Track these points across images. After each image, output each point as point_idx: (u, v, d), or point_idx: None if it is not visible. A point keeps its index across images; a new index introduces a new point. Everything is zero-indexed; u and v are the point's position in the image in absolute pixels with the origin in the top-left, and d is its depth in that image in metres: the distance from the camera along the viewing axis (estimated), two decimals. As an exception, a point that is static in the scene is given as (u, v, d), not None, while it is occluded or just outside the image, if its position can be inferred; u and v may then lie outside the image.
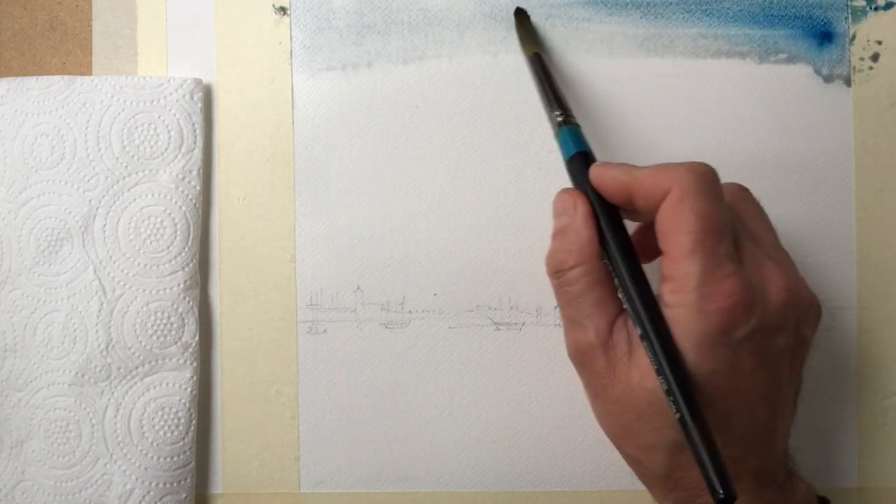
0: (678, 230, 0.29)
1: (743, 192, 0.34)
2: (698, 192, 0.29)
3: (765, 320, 0.29)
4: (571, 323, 0.32)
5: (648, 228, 0.32)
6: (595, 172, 0.32)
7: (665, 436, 0.30)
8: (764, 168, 0.39)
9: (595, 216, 0.32)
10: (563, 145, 0.34)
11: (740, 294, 0.29)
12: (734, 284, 0.29)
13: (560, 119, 0.35)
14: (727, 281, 0.29)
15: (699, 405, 0.28)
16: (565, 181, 0.39)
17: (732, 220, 0.31)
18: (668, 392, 0.28)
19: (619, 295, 0.31)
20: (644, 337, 0.29)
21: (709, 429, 0.27)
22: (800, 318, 0.31)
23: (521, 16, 0.39)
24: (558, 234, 0.33)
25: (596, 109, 0.40)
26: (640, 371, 0.30)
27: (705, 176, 0.30)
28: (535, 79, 0.37)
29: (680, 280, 0.29)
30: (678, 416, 0.28)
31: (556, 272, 0.32)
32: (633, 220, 0.33)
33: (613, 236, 0.31)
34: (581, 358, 0.32)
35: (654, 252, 0.31)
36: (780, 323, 0.30)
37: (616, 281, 0.31)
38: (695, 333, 0.29)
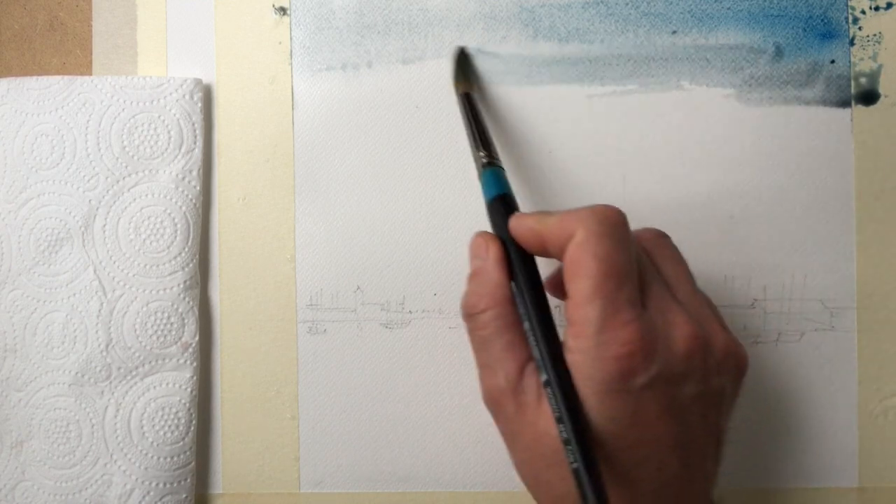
0: (579, 274, 0.28)
1: (660, 237, 0.33)
2: (601, 236, 0.29)
3: (668, 368, 0.28)
4: (483, 367, 0.31)
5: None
6: (513, 223, 0.32)
7: (574, 486, 0.28)
8: (764, 168, 0.39)
9: (508, 260, 0.31)
10: (484, 187, 0.34)
11: (639, 341, 0.28)
12: (633, 331, 0.28)
13: (484, 161, 0.35)
14: (626, 328, 0.28)
15: (594, 456, 0.27)
16: (566, 181, 0.40)
17: (644, 265, 0.30)
18: (566, 441, 0.27)
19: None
20: (546, 383, 0.29)
21: (602, 482, 0.26)
22: (710, 366, 0.29)
23: (461, 55, 0.39)
24: (472, 277, 0.32)
25: (600, 123, 0.40)
26: (547, 418, 0.29)
27: (610, 219, 0.29)
28: (463, 118, 0.37)
29: (580, 325, 0.28)
30: (573, 466, 0.27)
31: (468, 315, 0.32)
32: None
33: (524, 281, 0.31)
34: (493, 404, 0.31)
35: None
36: (685, 371, 0.29)
37: (525, 326, 0.30)
38: (594, 380, 0.28)
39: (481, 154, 0.35)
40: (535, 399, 0.30)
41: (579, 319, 0.28)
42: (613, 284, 0.28)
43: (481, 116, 0.37)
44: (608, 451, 0.28)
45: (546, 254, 0.31)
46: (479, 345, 0.31)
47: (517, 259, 0.31)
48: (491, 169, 0.34)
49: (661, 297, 0.30)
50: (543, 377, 0.29)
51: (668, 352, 0.29)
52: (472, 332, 0.32)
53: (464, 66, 0.39)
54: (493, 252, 0.32)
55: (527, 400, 0.30)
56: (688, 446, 0.29)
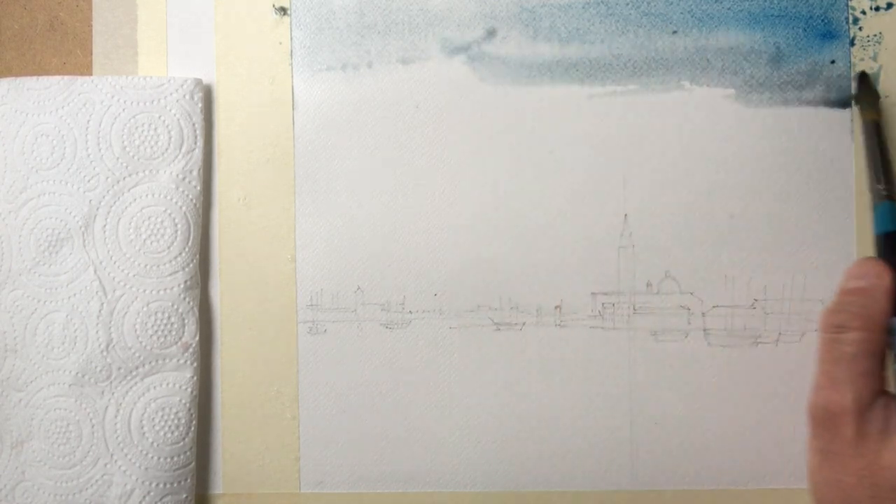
0: None
1: None
2: None
3: None
4: (830, 381, 0.32)
5: None
6: None
7: None
8: (764, 168, 0.39)
9: (894, 292, 0.33)
10: (879, 218, 0.35)
11: None
12: None
13: (884, 193, 0.36)
14: None
15: None
16: (566, 181, 0.39)
17: None
18: None
19: (892, 378, 0.32)
20: None
21: None
22: None
23: (865, 78, 0.39)
24: (849, 293, 0.33)
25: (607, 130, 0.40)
26: (894, 457, 0.30)
27: None
28: (866, 144, 0.37)
29: None
30: None
31: (836, 327, 0.33)
32: None
33: None
34: (827, 418, 0.32)
35: None
36: None
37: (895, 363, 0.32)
38: None
39: (881, 186, 0.36)
40: (879, 431, 0.30)
41: None
42: None
43: (887, 147, 0.37)
44: None
45: None
46: (835, 359, 0.32)
47: None
48: (890, 202, 0.35)
49: None
50: None
51: None
52: (832, 344, 0.33)
53: (870, 90, 0.39)
54: (886, 280, 0.33)
55: (870, 429, 0.31)
56: None
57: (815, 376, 0.33)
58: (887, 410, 0.31)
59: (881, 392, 0.32)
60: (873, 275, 0.33)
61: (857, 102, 0.39)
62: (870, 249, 0.39)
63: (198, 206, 0.40)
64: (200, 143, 0.40)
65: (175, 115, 0.39)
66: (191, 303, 0.39)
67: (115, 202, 0.39)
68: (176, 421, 0.39)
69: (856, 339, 0.32)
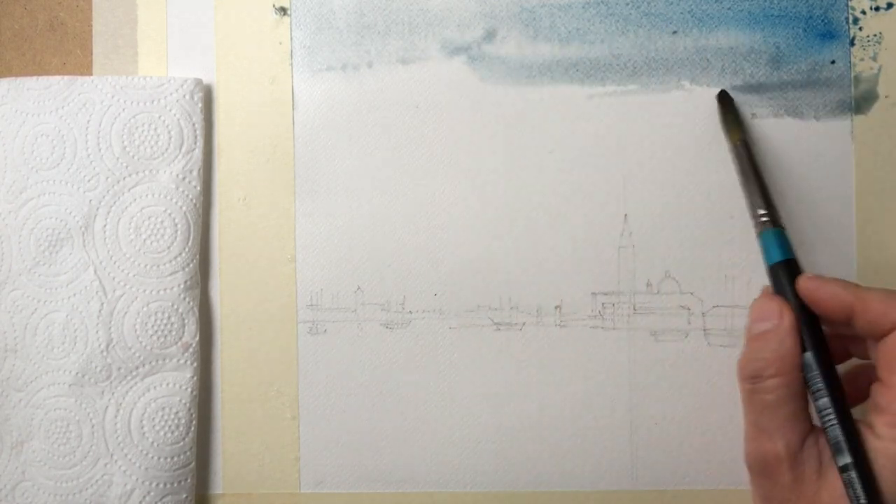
0: None
1: None
2: None
3: None
4: (759, 431, 0.32)
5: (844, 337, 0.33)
6: (808, 285, 0.32)
7: None
8: (764, 168, 0.39)
9: (799, 328, 0.32)
10: (766, 249, 0.34)
11: None
12: None
13: (765, 220, 0.34)
14: None
15: None
16: (566, 181, 0.39)
17: None
18: None
19: (815, 412, 0.31)
20: (846, 467, 0.29)
21: None
22: None
23: (725, 99, 0.38)
24: (757, 339, 0.32)
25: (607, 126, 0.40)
26: (831, 493, 0.30)
27: None
28: (738, 169, 0.36)
29: None
30: None
31: (752, 378, 0.32)
32: (836, 330, 0.33)
33: (821, 355, 0.31)
34: (763, 468, 0.32)
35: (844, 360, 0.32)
36: None
37: (814, 398, 0.31)
38: None
39: (762, 213, 0.34)
40: (814, 471, 0.30)
41: None
42: None
43: (760, 168, 0.36)
44: None
45: (845, 325, 0.31)
46: (759, 408, 0.32)
47: (813, 330, 0.32)
48: (774, 230, 0.34)
49: None
50: (844, 460, 0.30)
51: None
52: (753, 394, 0.32)
53: (733, 110, 0.38)
54: (787, 319, 0.32)
55: (805, 471, 0.31)
56: None
57: (744, 427, 0.33)
58: (818, 447, 0.31)
59: (810, 430, 0.31)
60: (775, 315, 0.32)
61: (723, 124, 0.38)
62: (871, 248, 0.39)
63: (198, 206, 0.40)
64: (200, 143, 0.40)
65: (175, 115, 0.39)
66: (191, 303, 0.39)
67: (115, 202, 0.39)
68: (176, 421, 0.39)
69: (775, 386, 0.31)
